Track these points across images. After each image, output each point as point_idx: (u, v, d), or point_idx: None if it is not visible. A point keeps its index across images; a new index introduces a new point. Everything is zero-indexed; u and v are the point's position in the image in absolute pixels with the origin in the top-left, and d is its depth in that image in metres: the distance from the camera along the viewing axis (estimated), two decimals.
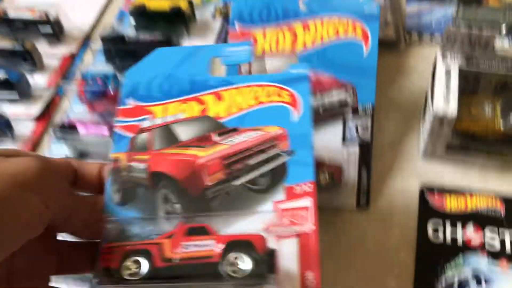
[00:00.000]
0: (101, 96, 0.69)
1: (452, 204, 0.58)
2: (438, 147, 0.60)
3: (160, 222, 0.41)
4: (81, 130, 0.64)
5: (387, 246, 0.56)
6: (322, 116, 0.58)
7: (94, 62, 0.78)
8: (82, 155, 0.67)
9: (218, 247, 0.38)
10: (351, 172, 0.58)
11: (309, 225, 0.40)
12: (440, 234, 0.55)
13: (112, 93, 0.68)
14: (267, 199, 0.43)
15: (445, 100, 0.55)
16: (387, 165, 0.63)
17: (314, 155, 0.44)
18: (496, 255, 0.53)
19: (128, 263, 0.38)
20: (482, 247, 0.54)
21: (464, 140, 0.60)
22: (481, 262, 0.53)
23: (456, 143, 0.60)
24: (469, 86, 0.60)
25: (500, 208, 0.57)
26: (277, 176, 0.45)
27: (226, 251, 0.38)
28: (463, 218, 0.56)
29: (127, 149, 0.47)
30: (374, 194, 0.60)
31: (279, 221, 0.41)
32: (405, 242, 0.56)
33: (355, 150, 0.59)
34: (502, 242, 0.54)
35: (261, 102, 0.47)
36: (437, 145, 0.60)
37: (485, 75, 0.59)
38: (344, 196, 0.59)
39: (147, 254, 0.38)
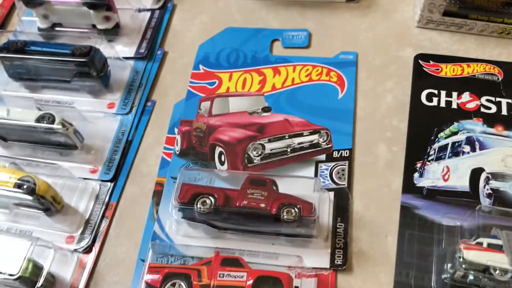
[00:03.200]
0: None
1: (448, 71, 0.55)
2: (434, 13, 0.56)
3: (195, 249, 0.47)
4: None
5: (379, 113, 0.54)
6: (291, 158, 0.52)
7: None
8: (54, 25, 0.62)
9: (250, 280, 0.42)
10: None
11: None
12: (435, 99, 0.53)
13: None
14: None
15: None
16: (381, 34, 0.59)
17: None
18: (492, 121, 0.51)
19: (169, 285, 0.43)
20: (477, 111, 0.52)
21: (463, 6, 0.56)
22: (475, 127, 0.51)
23: (454, 9, 0.56)
24: None
25: (498, 73, 0.54)
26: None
27: (256, 284, 0.42)
28: (459, 85, 0.54)
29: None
30: (362, 68, 0.57)
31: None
32: (399, 109, 0.53)
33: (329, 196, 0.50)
34: (499, 107, 0.52)
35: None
36: (433, 10, 0.56)
37: None
38: None
39: (187, 278, 0.43)
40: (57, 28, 0.61)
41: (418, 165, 0.50)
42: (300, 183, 0.47)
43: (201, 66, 0.59)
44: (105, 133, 0.55)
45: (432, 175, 0.49)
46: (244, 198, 0.45)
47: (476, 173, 0.48)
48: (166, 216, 0.49)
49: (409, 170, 0.50)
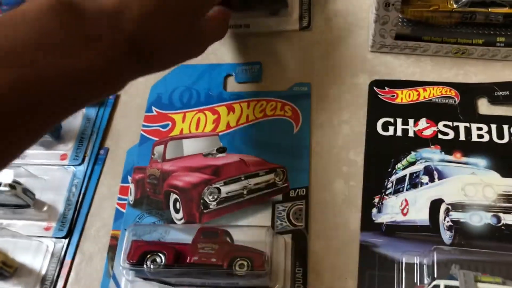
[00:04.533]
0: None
1: (404, 97, 0.53)
2: (387, 37, 0.55)
3: None
4: None
5: (335, 146, 0.52)
6: (247, 201, 0.51)
7: None
8: None
9: None
10: None
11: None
12: (391, 128, 0.51)
13: None
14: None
15: None
16: (335, 61, 0.57)
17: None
18: (450, 147, 0.50)
19: None
20: (434, 138, 0.50)
21: (415, 28, 0.54)
22: (433, 156, 0.50)
23: (407, 32, 0.55)
24: None
25: (455, 96, 0.52)
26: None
27: None
28: (416, 111, 0.52)
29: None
30: (317, 99, 0.56)
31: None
32: (355, 141, 0.52)
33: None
34: (456, 133, 0.50)
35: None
36: (385, 35, 0.54)
37: None
38: None
39: None
40: None
41: (376, 200, 0.48)
42: (254, 231, 0.46)
43: (153, 108, 0.58)
44: (58, 187, 0.53)
45: (391, 210, 0.47)
46: (195, 253, 0.43)
47: (435, 205, 0.47)
48: (122, 272, 0.47)
49: (367, 205, 0.48)
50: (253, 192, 0.51)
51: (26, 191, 0.50)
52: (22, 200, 0.50)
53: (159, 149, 0.54)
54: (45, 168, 0.55)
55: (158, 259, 0.44)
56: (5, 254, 0.48)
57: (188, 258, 0.43)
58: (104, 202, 0.53)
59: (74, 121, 0.57)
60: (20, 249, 0.50)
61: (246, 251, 0.43)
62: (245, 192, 0.51)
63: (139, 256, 0.44)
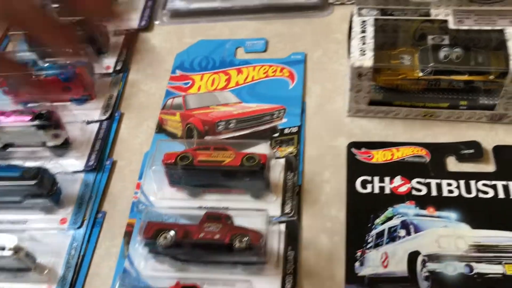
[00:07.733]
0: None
1: (379, 157, 0.58)
2: (361, 103, 0.60)
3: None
4: (1, 119, 0.62)
5: (319, 203, 0.56)
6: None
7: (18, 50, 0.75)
8: (6, 146, 0.64)
9: None
10: None
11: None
12: (369, 186, 0.56)
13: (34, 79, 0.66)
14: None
15: (361, 52, 0.55)
16: (315, 126, 0.63)
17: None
18: (423, 203, 0.54)
19: None
20: (409, 194, 0.55)
21: (387, 94, 0.60)
22: (409, 211, 0.54)
23: (379, 98, 0.60)
24: (389, 39, 0.61)
25: (426, 155, 0.57)
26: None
27: None
28: (391, 170, 0.57)
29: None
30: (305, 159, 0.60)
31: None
32: (336, 198, 0.56)
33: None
34: (428, 189, 0.55)
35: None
36: (360, 101, 0.60)
37: (403, 25, 0.60)
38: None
39: None
40: (8, 149, 0.64)
41: (358, 253, 0.52)
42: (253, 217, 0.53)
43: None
44: (58, 250, 0.56)
45: (372, 263, 0.51)
46: (201, 231, 0.50)
47: (413, 257, 0.51)
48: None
49: (350, 259, 0.52)
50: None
51: (28, 255, 0.53)
52: (24, 264, 0.53)
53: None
54: (46, 233, 0.57)
55: (169, 236, 0.50)
56: None
57: (195, 235, 0.50)
58: (102, 263, 0.55)
59: (73, 187, 0.60)
60: None
61: (245, 230, 0.50)
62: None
63: (153, 233, 0.50)
